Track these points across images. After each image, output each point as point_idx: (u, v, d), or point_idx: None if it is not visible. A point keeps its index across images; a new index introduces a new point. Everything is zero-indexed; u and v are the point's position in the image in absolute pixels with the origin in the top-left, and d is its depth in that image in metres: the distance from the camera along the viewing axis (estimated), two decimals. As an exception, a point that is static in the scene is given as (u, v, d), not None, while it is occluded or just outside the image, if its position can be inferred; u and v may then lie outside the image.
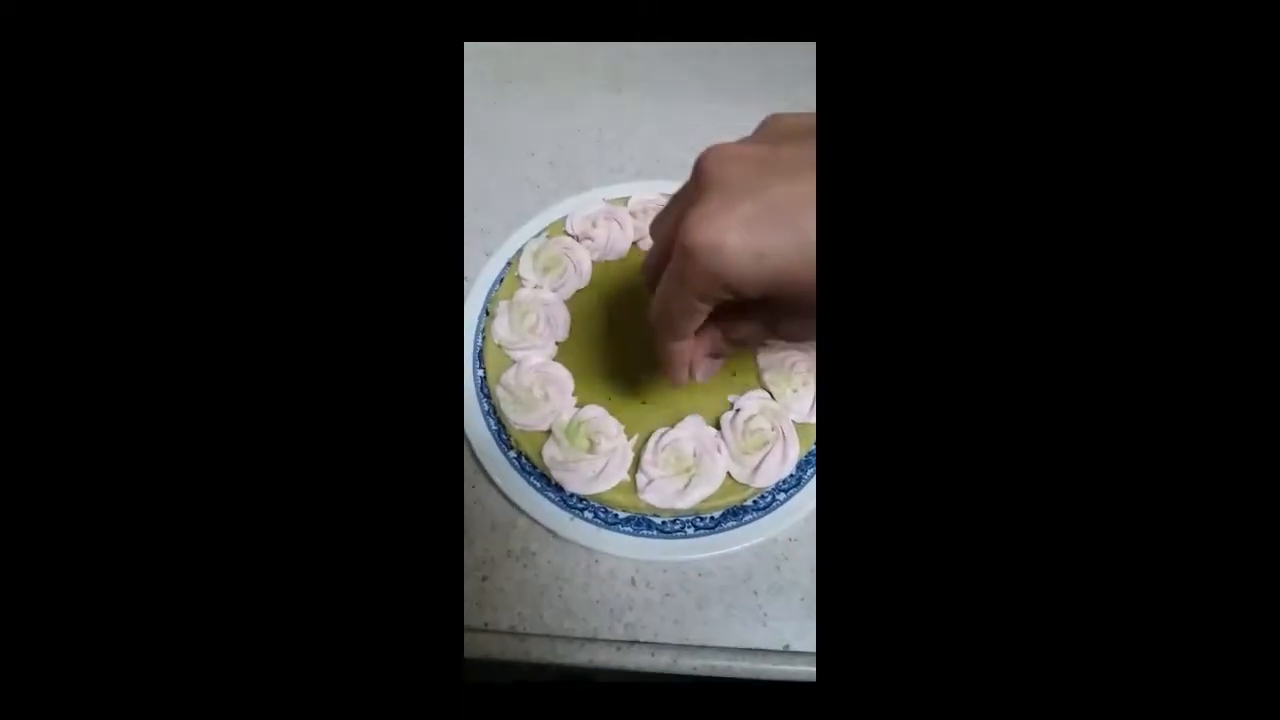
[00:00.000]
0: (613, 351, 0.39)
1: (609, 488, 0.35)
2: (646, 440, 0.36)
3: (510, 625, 0.33)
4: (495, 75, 0.56)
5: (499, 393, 0.37)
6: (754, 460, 0.35)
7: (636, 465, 0.35)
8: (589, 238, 0.43)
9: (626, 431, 0.36)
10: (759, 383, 0.38)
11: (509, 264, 0.43)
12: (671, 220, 0.26)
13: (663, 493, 0.34)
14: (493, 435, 0.37)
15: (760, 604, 0.34)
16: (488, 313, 0.41)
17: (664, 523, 0.36)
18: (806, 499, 0.36)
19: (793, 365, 0.38)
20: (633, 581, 0.35)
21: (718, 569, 0.35)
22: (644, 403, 0.38)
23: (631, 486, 0.35)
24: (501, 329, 0.39)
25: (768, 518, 0.36)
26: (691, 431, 0.36)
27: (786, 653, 0.33)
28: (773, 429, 0.36)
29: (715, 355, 0.31)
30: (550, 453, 0.35)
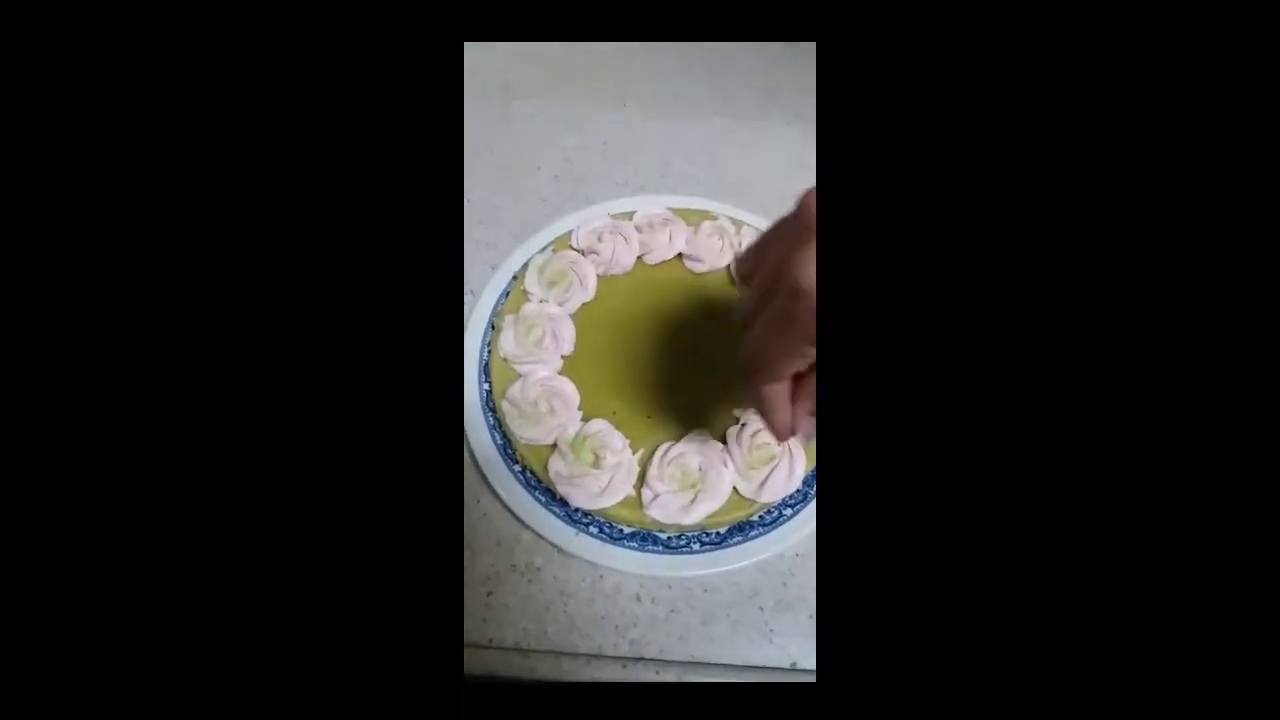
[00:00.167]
0: (618, 366, 0.39)
1: (614, 503, 0.35)
2: (652, 455, 0.36)
3: (515, 642, 0.33)
4: (501, 90, 0.56)
5: (504, 407, 0.37)
6: (760, 475, 0.35)
7: (642, 480, 0.35)
8: (594, 252, 0.43)
9: (632, 446, 0.36)
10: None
11: (515, 278, 0.44)
12: (774, 258, 0.24)
13: (668, 508, 0.34)
14: (498, 449, 0.37)
15: (766, 620, 0.34)
16: (493, 326, 0.42)
17: (669, 538, 0.35)
18: (813, 514, 0.36)
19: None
20: (638, 597, 0.34)
21: (724, 585, 0.35)
22: (649, 417, 0.37)
23: (637, 501, 0.35)
24: (507, 343, 0.39)
25: (774, 533, 0.35)
26: (697, 446, 0.36)
27: (793, 670, 0.33)
28: (779, 444, 0.36)
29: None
30: (556, 467, 0.35)
